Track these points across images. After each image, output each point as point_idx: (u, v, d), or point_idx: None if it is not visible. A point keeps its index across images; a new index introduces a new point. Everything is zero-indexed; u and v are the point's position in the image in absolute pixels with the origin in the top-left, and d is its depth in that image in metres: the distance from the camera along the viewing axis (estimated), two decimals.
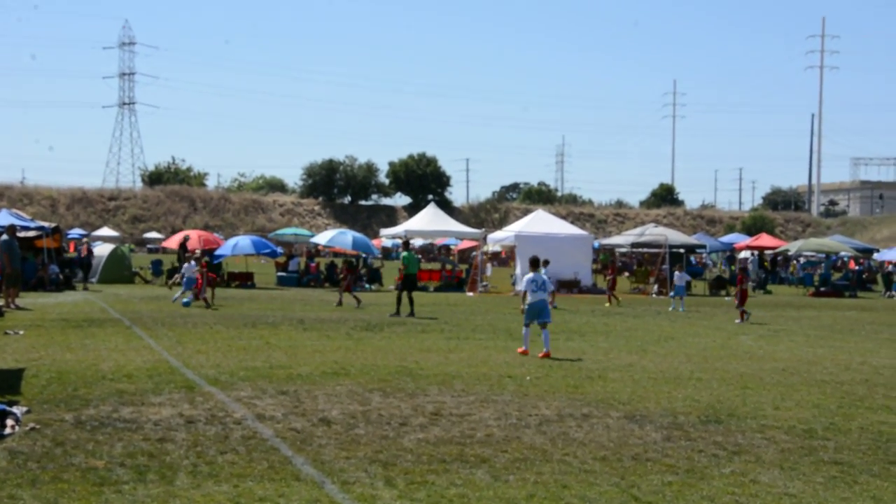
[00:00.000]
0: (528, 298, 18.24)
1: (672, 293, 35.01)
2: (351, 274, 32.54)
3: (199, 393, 12.94)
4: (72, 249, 54.40)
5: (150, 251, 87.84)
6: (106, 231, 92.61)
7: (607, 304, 35.37)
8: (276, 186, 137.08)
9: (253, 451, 9.61)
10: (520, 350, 18.46)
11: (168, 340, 19.28)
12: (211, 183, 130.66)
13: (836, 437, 11.09)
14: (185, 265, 30.55)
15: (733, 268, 60.31)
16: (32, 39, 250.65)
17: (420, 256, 30.74)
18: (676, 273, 33.45)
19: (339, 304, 31.10)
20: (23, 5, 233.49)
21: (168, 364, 15.78)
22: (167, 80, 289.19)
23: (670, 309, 30.89)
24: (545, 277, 18.84)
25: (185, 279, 30.23)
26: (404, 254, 29.29)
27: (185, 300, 29.30)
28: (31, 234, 36.85)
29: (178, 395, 12.74)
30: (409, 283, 28.16)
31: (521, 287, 18.34)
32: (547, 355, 17.75)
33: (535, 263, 19.14)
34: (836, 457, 10.01)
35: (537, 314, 18.26)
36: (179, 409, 11.67)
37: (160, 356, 16.79)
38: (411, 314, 27.18)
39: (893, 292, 49.22)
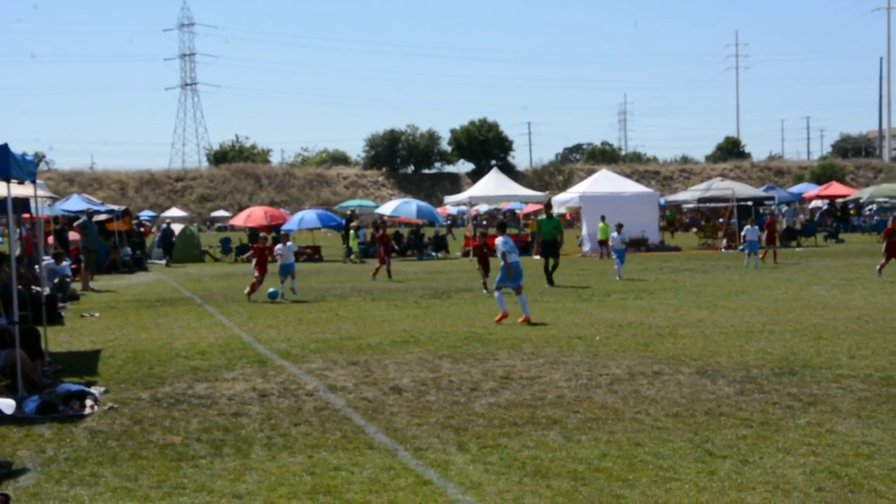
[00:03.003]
0: (507, 259, 17.50)
1: (743, 248, 34.47)
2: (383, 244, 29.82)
3: (271, 367, 13.10)
4: (149, 232, 55.31)
5: (219, 230, 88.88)
6: (174, 212, 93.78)
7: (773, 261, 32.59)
8: (340, 159, 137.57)
9: (326, 421, 9.71)
10: (499, 316, 17.53)
11: (239, 317, 19.53)
12: (275, 159, 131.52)
13: None
14: (279, 246, 24.45)
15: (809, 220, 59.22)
16: (93, 26, 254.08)
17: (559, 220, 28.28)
18: (748, 227, 31.69)
19: (373, 276, 28.98)
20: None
21: (240, 340, 15.99)
22: (227, 58, 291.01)
23: (745, 265, 30.05)
24: (512, 243, 18.13)
25: (280, 266, 24.12)
26: (541, 217, 28.20)
27: (270, 290, 23.29)
28: (103, 217, 37.48)
29: (251, 369, 12.92)
30: (546, 249, 26.29)
31: (500, 248, 17.72)
32: (527, 320, 17.18)
33: (502, 227, 19.15)
34: None
35: (514, 277, 17.58)
36: (252, 384, 11.83)
37: (232, 332, 17.02)
38: (549, 281, 25.49)
39: None
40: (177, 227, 45.85)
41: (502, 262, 17.67)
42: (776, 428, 8.97)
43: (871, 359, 12.59)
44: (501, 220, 20.30)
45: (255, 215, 46.25)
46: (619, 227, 28.41)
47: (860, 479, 7.31)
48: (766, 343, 14.18)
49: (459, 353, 13.89)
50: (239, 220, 48.29)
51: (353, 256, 41.61)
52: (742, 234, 33.10)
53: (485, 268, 24.41)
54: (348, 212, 48.33)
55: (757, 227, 32.19)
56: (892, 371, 11.65)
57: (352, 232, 42.89)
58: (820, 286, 23.39)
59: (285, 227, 44.34)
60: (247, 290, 23.61)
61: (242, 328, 17.55)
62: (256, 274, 23.81)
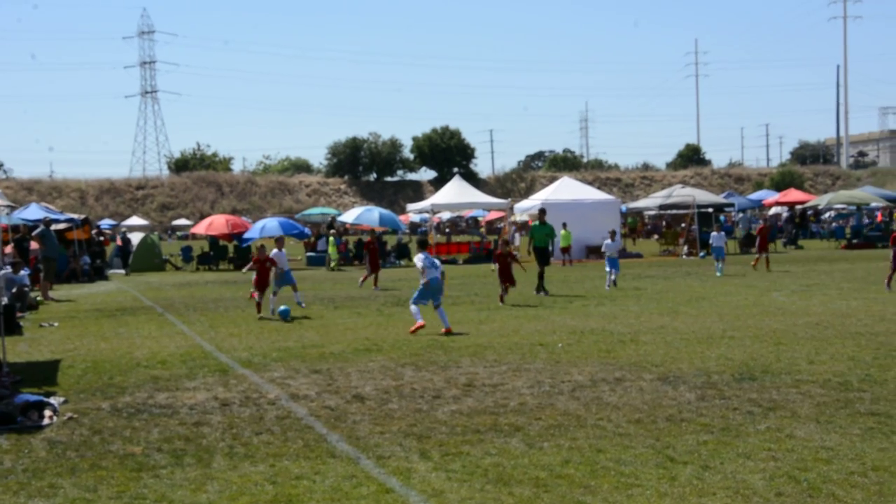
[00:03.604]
0: (426, 276, 17.29)
1: (704, 254, 34.63)
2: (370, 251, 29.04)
3: (232, 376, 13.03)
4: (108, 241, 54.84)
5: (180, 238, 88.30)
6: (135, 220, 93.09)
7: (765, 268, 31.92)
8: (302, 167, 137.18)
9: (288, 430, 9.67)
10: (415, 326, 17.15)
11: (200, 325, 19.41)
12: (236, 167, 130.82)
13: (872, 388, 11.01)
14: (275, 251, 21.96)
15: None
16: (50, 34, 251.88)
17: (552, 226, 26.85)
18: (714, 234, 31.54)
19: (374, 284, 28.46)
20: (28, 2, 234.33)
21: (201, 349, 15.89)
22: (188, 66, 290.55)
23: (718, 275, 29.73)
24: (433, 258, 17.91)
25: (277, 275, 21.63)
26: (534, 223, 27.28)
27: (282, 308, 20.34)
28: (62, 226, 37.10)
29: (213, 378, 12.84)
30: (538, 256, 25.59)
31: (419, 265, 17.44)
32: (449, 331, 17.04)
33: (423, 244, 18.45)
34: (872, 408, 9.95)
35: (434, 293, 17.35)
36: (214, 393, 11.76)
37: (193, 341, 16.91)
38: (539, 290, 24.67)
39: None
40: (137, 236, 45.53)
41: (422, 279, 17.42)
42: (736, 433, 9.04)
43: (829, 364, 12.72)
44: (422, 237, 19.89)
45: (216, 224, 45.93)
46: (613, 234, 28.23)
47: (819, 483, 7.38)
48: (727, 349, 14.29)
49: (422, 361, 13.88)
50: (200, 228, 47.96)
51: (332, 264, 41.56)
52: (709, 241, 33.05)
53: (505, 279, 22.74)
54: (329, 219, 48.28)
55: (724, 234, 32.23)
56: (850, 376, 11.78)
57: (331, 239, 42.88)
58: (779, 292, 23.61)
59: (247, 235, 44.20)
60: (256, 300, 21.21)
61: (204, 337, 17.44)
62: (257, 289, 21.17)
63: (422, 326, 17.17)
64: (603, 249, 27.68)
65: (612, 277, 26.31)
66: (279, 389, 11.93)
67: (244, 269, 24.79)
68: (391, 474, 7.96)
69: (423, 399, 11.10)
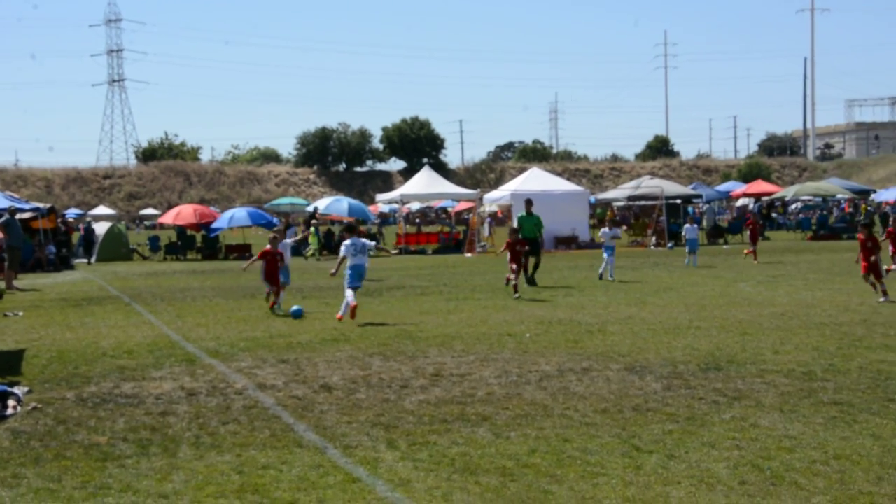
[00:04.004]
0: (349, 262, 17.50)
1: (672, 245, 34.75)
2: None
3: (199, 366, 12.98)
4: (73, 230, 54.41)
5: (148, 228, 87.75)
6: (102, 209, 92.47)
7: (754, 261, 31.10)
8: (271, 157, 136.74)
9: (255, 420, 9.64)
10: (352, 307, 17.11)
11: (168, 315, 19.31)
12: (205, 157, 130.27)
13: (835, 377, 11.13)
14: (284, 242, 20.55)
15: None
16: (16, 21, 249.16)
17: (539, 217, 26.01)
18: (687, 226, 31.00)
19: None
20: None
21: (168, 339, 15.81)
22: (155, 55, 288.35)
23: (693, 266, 29.77)
24: (364, 241, 18.08)
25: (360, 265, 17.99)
26: (520, 214, 26.82)
27: (294, 308, 18.69)
28: (27, 215, 36.77)
29: (179, 368, 12.78)
30: (529, 247, 24.65)
31: (342, 252, 17.73)
32: (342, 318, 17.25)
33: (350, 229, 18.75)
34: (835, 397, 10.05)
35: (359, 277, 17.52)
36: (181, 383, 11.71)
37: (160, 331, 16.82)
38: (529, 280, 24.32)
39: None
40: (104, 226, 45.19)
41: (349, 264, 17.59)
42: (702, 423, 9.11)
43: (794, 354, 12.83)
44: (350, 223, 19.75)
45: (184, 213, 45.72)
46: (611, 222, 28.15)
47: (782, 472, 7.45)
48: (693, 339, 14.39)
49: (390, 351, 13.88)
50: (168, 218, 47.71)
51: (313, 253, 41.49)
52: (682, 233, 32.93)
53: (517, 265, 22.27)
54: (310, 209, 48.21)
55: (696, 226, 32.18)
56: (814, 366, 11.89)
57: (312, 229, 42.81)
58: (746, 283, 23.78)
59: (215, 225, 44.03)
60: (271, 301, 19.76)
61: (171, 327, 17.35)
62: (270, 285, 19.75)
63: (354, 307, 17.18)
64: (601, 238, 27.14)
65: (609, 268, 25.47)
66: (246, 379, 11.89)
67: (244, 266, 22.36)
68: (358, 464, 7.96)
69: (391, 389, 11.10)
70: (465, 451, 8.26)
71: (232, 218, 44.94)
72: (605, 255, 25.88)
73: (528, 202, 27.44)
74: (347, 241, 17.83)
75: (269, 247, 20.07)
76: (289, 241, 19.40)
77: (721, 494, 6.96)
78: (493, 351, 13.70)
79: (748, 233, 33.96)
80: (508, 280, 22.08)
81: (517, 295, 21.19)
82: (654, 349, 13.53)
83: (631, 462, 7.83)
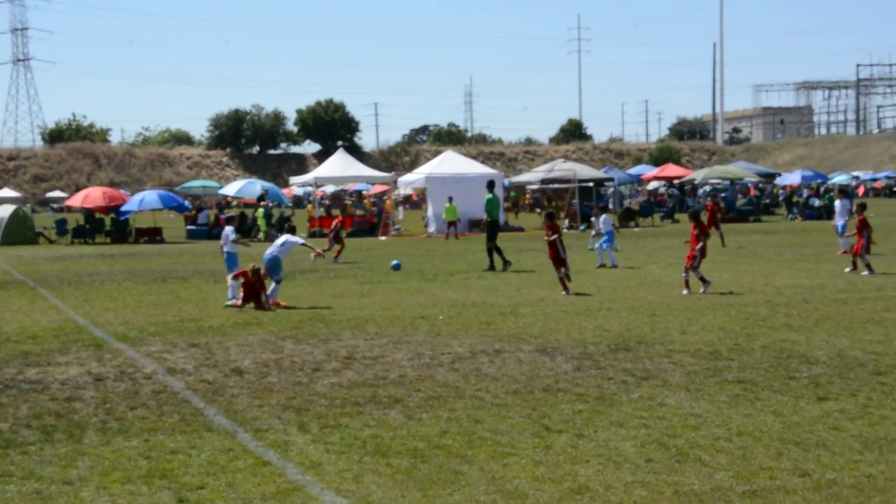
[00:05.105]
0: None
1: (584, 227, 34.51)
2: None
3: (107, 350, 12.77)
4: None
5: (56, 211, 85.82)
6: (6, 192, 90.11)
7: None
8: (183, 139, 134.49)
9: (164, 405, 9.53)
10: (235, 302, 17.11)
11: (75, 300, 18.94)
12: (114, 138, 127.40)
13: (739, 357, 11.38)
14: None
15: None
16: None
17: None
18: (603, 217, 26.29)
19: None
20: None
21: (75, 323, 15.52)
22: (62, 34, 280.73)
23: (592, 246, 27.82)
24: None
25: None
26: (488, 196, 25.48)
27: (395, 263, 18.28)
28: None
29: (86, 353, 12.56)
30: (493, 230, 24.01)
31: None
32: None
33: (230, 220, 19.44)
34: (739, 376, 10.29)
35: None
36: (87, 368, 11.51)
37: (67, 316, 16.50)
38: (506, 265, 23.22)
39: (795, 215, 50.35)
40: (8, 209, 44.05)
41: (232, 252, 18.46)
42: (610, 402, 9.25)
43: (700, 334, 13.08)
44: (230, 214, 19.98)
45: (92, 196, 44.73)
46: (604, 208, 27.21)
47: (687, 449, 7.61)
48: (604, 321, 14.58)
49: (302, 334, 13.82)
50: (76, 200, 46.66)
51: (260, 235, 41.04)
52: (597, 224, 28.19)
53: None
54: (259, 191, 47.47)
55: (609, 218, 29.41)
56: (719, 346, 12.14)
57: (261, 211, 42.33)
58: (656, 265, 24.15)
59: (125, 208, 43.23)
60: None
61: (78, 311, 17.02)
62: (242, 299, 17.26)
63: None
64: (601, 228, 25.24)
65: (606, 247, 23.96)
66: (156, 364, 11.74)
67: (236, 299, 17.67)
68: (269, 447, 7.92)
69: (303, 372, 11.06)
70: (377, 434, 8.27)
71: (142, 201, 44.16)
72: (603, 243, 24.19)
73: (491, 183, 26.76)
74: (229, 228, 18.68)
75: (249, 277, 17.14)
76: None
77: (628, 472, 7.08)
78: (407, 333, 13.72)
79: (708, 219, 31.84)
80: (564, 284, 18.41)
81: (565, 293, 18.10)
82: (565, 330, 13.68)
83: (541, 441, 7.92)
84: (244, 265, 17.66)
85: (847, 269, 20.70)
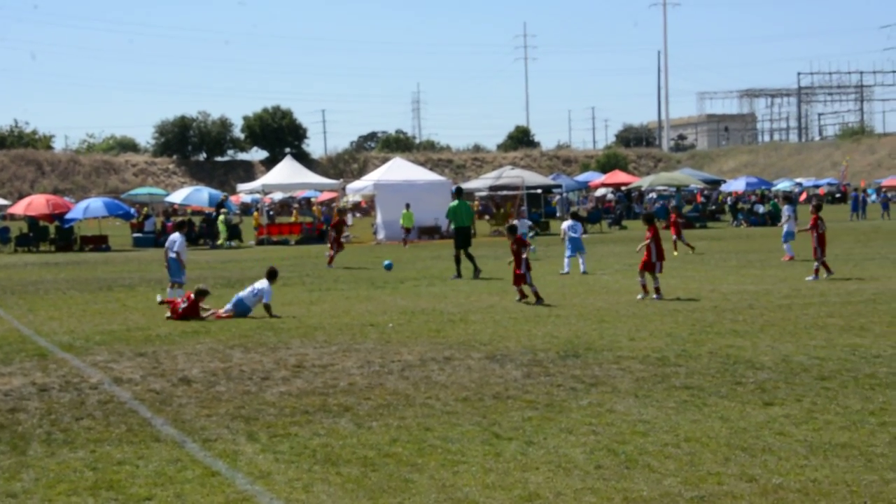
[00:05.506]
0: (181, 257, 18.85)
1: (533, 234, 34.58)
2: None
3: (52, 360, 12.60)
4: None
5: None
6: None
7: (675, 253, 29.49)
8: (128, 146, 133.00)
9: (110, 415, 9.42)
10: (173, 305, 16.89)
11: (18, 309, 18.67)
12: (58, 145, 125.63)
13: (687, 362, 11.49)
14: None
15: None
16: None
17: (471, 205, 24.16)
18: (568, 223, 24.68)
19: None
20: None
21: (19, 333, 15.30)
22: (3, 40, 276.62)
23: (565, 270, 27.16)
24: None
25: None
26: (453, 204, 24.19)
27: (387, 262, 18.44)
28: None
29: (30, 363, 12.38)
30: (462, 238, 23.43)
31: (175, 248, 18.78)
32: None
33: (180, 226, 20.31)
34: (687, 382, 10.38)
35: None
36: (31, 378, 11.34)
37: (10, 325, 16.26)
38: (476, 273, 22.79)
39: (740, 221, 50.97)
40: None
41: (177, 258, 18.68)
42: (560, 409, 9.29)
43: (648, 341, 13.19)
44: (179, 220, 20.71)
45: (36, 203, 44.16)
46: (574, 214, 27.11)
47: (636, 455, 7.66)
48: (553, 327, 14.64)
49: (251, 343, 13.73)
50: (19, 208, 46.03)
51: (220, 241, 40.72)
52: (562, 232, 25.31)
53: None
54: (221, 196, 47.14)
55: (579, 224, 25.47)
56: (667, 352, 12.25)
57: (221, 217, 41.99)
58: (604, 271, 24.29)
59: (70, 215, 42.71)
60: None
61: (22, 321, 16.77)
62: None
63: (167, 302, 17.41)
64: (569, 233, 24.06)
65: (581, 260, 23.69)
66: (102, 373, 11.60)
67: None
68: (217, 457, 7.86)
69: (252, 381, 10.99)
70: (327, 443, 8.24)
71: (87, 208, 43.69)
72: (570, 249, 23.87)
73: (459, 190, 26.24)
74: (176, 235, 19.07)
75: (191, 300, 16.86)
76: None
77: (577, 479, 7.12)
78: (356, 341, 13.68)
79: (671, 228, 31.75)
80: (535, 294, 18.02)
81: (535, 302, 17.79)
82: (514, 337, 13.73)
83: (491, 449, 7.93)
84: (190, 272, 17.56)
85: (808, 278, 20.48)
